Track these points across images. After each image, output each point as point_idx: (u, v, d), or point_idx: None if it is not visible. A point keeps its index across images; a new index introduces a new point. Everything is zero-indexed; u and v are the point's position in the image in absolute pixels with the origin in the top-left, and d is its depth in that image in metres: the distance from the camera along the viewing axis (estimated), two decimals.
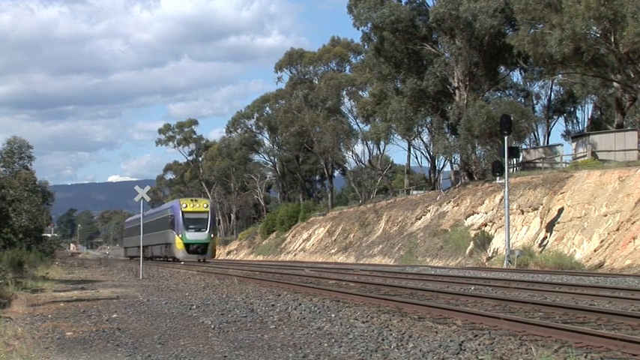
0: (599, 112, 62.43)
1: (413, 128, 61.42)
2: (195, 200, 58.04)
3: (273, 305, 14.95)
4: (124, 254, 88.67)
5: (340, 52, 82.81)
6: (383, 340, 10.10)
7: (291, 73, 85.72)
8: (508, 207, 35.90)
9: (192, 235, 54.06)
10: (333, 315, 12.99)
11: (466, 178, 54.75)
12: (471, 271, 30.98)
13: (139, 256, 63.15)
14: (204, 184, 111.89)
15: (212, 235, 55.34)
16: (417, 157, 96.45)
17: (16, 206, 32.69)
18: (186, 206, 55.14)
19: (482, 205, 45.29)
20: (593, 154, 43.75)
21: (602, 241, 33.07)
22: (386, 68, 54.67)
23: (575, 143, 48.28)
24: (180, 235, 54.12)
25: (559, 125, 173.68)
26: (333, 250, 64.10)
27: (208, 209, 55.88)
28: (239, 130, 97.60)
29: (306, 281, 23.24)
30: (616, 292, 16.92)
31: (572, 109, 66.98)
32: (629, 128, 48.46)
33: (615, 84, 48.10)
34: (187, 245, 53.88)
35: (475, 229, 43.37)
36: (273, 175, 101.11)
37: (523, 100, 62.23)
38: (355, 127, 78.34)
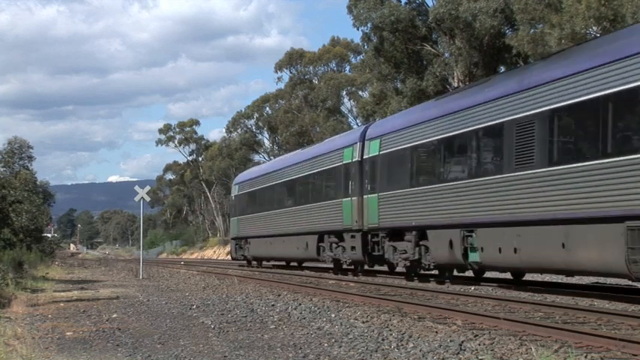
0: None
1: None
2: None
3: (273, 305, 14.94)
4: (233, 253, 43.29)
5: (340, 52, 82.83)
6: (383, 340, 10.10)
7: (291, 73, 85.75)
8: None
9: None
10: (333, 315, 12.98)
11: None
12: None
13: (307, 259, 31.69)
14: (204, 184, 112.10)
15: None
16: None
17: (17, 207, 32.67)
18: None
19: None
20: None
21: None
22: (386, 68, 54.69)
23: None
24: None
25: None
26: None
27: None
28: (239, 130, 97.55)
29: (306, 281, 23.25)
30: (616, 293, 16.92)
31: None
32: None
33: None
34: None
35: None
36: None
37: None
38: (355, 127, 78.35)
